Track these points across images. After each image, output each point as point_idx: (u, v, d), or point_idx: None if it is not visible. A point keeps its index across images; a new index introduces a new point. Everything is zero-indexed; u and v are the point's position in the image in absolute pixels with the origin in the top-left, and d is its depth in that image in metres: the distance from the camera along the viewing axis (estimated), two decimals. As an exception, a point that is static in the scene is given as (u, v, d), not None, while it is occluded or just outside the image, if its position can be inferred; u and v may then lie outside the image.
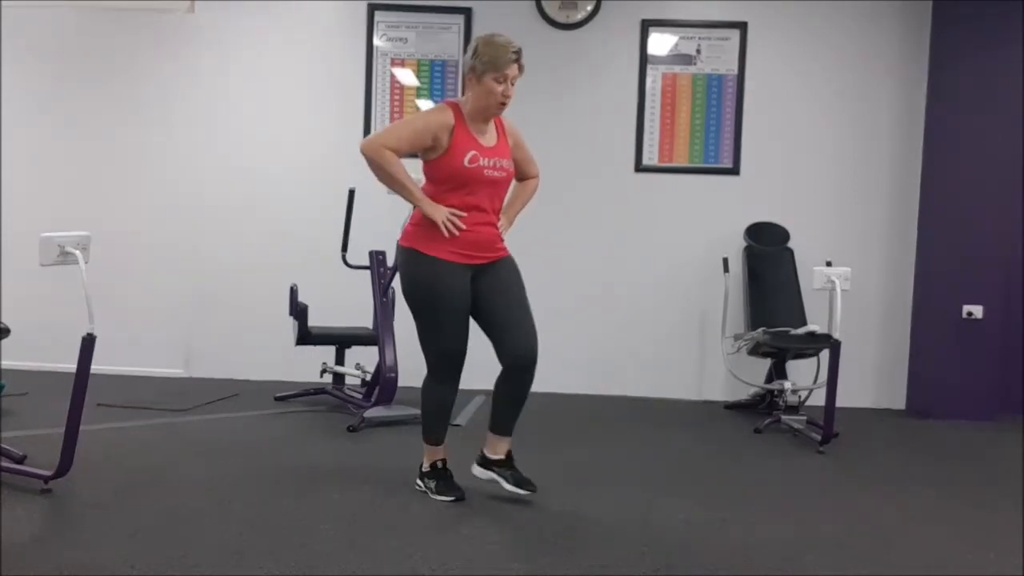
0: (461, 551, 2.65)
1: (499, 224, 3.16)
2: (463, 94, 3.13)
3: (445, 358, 3.11)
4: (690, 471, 3.78)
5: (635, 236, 5.55)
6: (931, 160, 5.38)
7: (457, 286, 3.05)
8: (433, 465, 3.21)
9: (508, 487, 3.12)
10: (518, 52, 3.02)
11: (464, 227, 3.01)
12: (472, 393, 5.23)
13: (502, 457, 3.17)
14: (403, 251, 3.13)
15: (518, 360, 3.07)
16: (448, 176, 3.03)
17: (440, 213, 2.99)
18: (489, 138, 3.10)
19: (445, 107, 3.09)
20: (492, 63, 2.99)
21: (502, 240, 3.17)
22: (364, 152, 3.06)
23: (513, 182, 3.26)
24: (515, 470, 3.16)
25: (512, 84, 3.04)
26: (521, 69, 3.06)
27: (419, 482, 3.26)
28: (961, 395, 5.16)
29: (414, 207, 3.08)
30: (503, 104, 3.06)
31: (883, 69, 5.47)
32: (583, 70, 5.49)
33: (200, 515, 2.89)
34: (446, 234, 2.99)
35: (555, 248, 5.38)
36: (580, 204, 5.42)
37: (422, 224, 3.05)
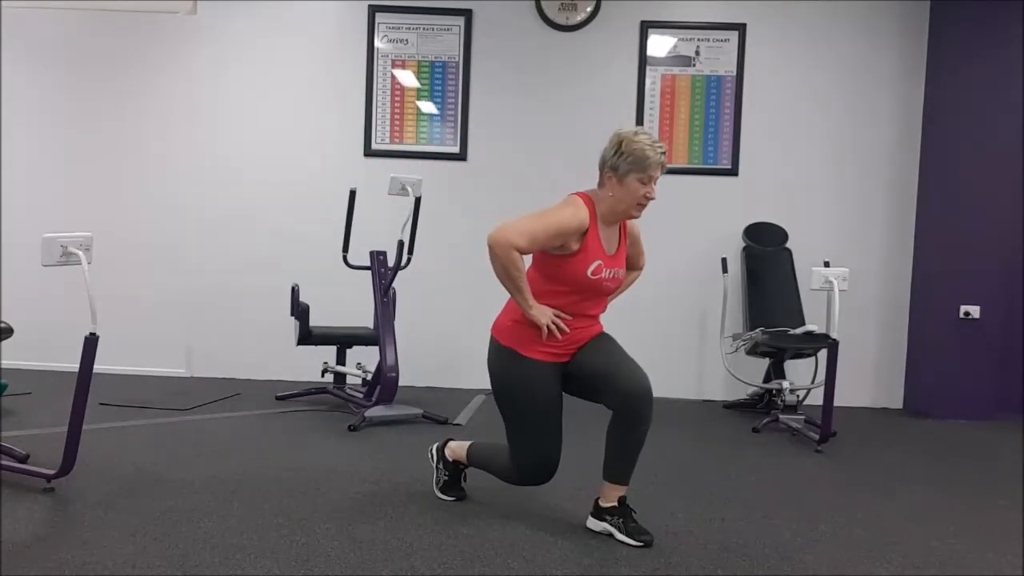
0: (461, 551, 2.67)
1: None
2: (597, 187, 2.88)
3: (538, 466, 2.93)
4: (689, 470, 3.80)
5: (634, 236, 5.55)
6: (929, 161, 5.40)
7: (553, 390, 2.90)
8: (457, 463, 3.19)
9: (622, 538, 2.84)
10: (664, 152, 2.81)
11: (568, 330, 2.84)
12: (472, 392, 5.27)
13: (615, 504, 2.91)
14: (498, 347, 2.92)
15: (631, 396, 2.83)
16: (566, 280, 2.83)
17: (545, 317, 2.80)
18: (612, 243, 2.90)
19: (582, 206, 2.81)
20: (639, 164, 2.77)
21: (596, 325, 3.03)
22: (492, 246, 2.74)
23: None
24: (630, 518, 2.88)
25: (654, 185, 2.82)
26: (663, 168, 2.83)
27: (434, 460, 3.25)
28: (958, 395, 5.17)
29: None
30: (644, 206, 2.85)
31: (881, 70, 5.48)
32: (583, 71, 5.50)
33: (200, 515, 2.90)
34: (545, 337, 2.81)
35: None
36: (580, 204, 5.43)
37: (522, 323, 2.84)
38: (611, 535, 2.86)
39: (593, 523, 2.93)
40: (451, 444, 3.25)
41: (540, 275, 2.88)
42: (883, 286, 5.54)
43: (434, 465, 3.27)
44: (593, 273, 2.82)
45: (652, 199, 2.83)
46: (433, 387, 5.46)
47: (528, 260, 2.88)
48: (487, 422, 4.47)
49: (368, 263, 4.69)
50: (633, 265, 3.17)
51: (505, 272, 2.77)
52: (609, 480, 2.90)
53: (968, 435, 4.81)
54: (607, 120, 5.48)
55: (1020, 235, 5.31)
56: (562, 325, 2.82)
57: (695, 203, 5.53)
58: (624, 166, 2.78)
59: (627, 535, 2.82)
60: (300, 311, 4.72)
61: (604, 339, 3.00)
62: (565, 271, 2.82)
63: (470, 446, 3.19)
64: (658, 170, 2.80)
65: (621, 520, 2.86)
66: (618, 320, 5.49)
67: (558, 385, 2.92)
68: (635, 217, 2.92)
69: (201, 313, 5.59)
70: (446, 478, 3.22)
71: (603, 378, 2.86)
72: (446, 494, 3.20)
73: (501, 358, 2.92)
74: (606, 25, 5.51)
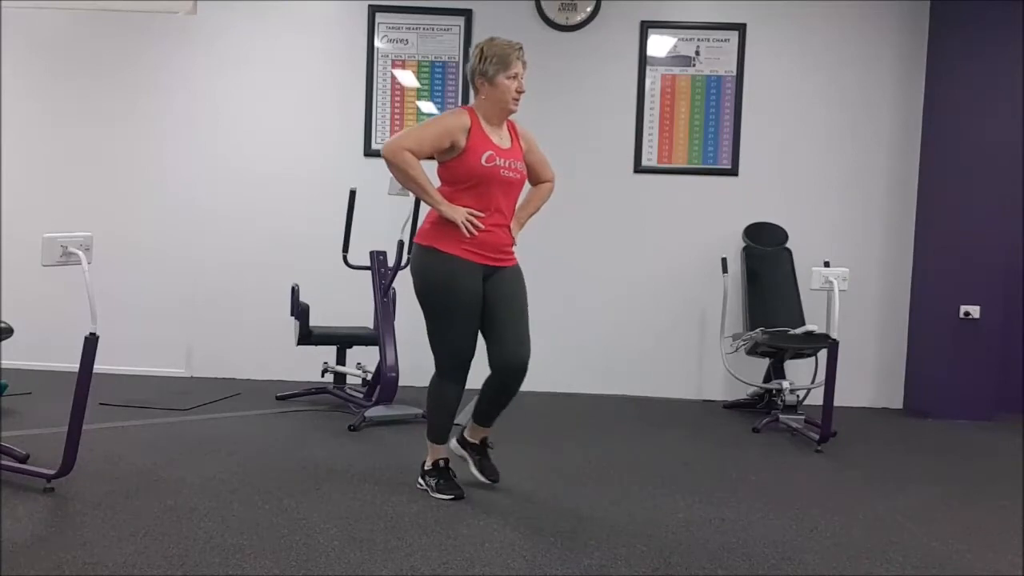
0: (461, 551, 2.67)
1: (512, 227, 3.22)
2: (474, 99, 3.20)
3: (455, 357, 3.16)
4: (689, 470, 3.80)
5: (634, 236, 5.57)
6: (929, 161, 5.40)
7: (471, 285, 3.11)
8: (436, 464, 3.26)
9: (473, 470, 3.36)
10: (521, 48, 3.14)
11: (483, 227, 3.08)
12: (472, 392, 5.26)
13: (477, 443, 3.39)
14: (420, 249, 3.16)
15: (508, 368, 3.15)
16: (465, 176, 3.09)
17: (459, 213, 3.05)
18: (504, 140, 3.18)
19: (462, 111, 3.16)
20: (502, 61, 3.08)
21: (513, 244, 3.24)
22: (384, 155, 3.10)
23: (527, 186, 3.33)
24: (485, 457, 3.39)
25: (521, 79, 3.14)
26: (525, 64, 3.16)
27: (420, 480, 3.30)
28: (959, 394, 5.17)
29: (431, 208, 3.14)
30: (517, 99, 3.15)
31: (881, 70, 5.48)
32: (582, 71, 5.50)
33: (200, 515, 2.90)
34: (466, 234, 3.05)
35: (554, 248, 5.39)
36: (579, 205, 5.43)
37: (439, 223, 3.11)
38: (467, 463, 3.36)
39: (455, 445, 3.39)
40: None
41: (445, 184, 3.16)
42: (883, 286, 5.54)
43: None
44: (487, 161, 3.07)
45: (523, 92, 3.15)
46: (433, 387, 5.45)
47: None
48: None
49: (368, 263, 4.69)
50: (539, 176, 3.41)
51: (404, 174, 3.09)
52: (477, 422, 3.34)
53: (968, 435, 4.81)
54: (607, 120, 5.51)
55: (1020, 235, 5.32)
56: (476, 222, 3.06)
57: (695, 203, 5.53)
58: (491, 69, 3.09)
59: (479, 471, 3.34)
60: (300, 311, 4.72)
61: (515, 286, 3.21)
62: (462, 167, 3.09)
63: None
64: (520, 65, 3.13)
65: (478, 457, 3.37)
66: (618, 320, 5.54)
67: (479, 282, 3.13)
68: (513, 110, 3.18)
69: (201, 313, 5.60)
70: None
71: (495, 335, 3.16)
72: (444, 493, 3.22)
73: (423, 257, 3.14)
74: (606, 25, 5.51)
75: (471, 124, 3.10)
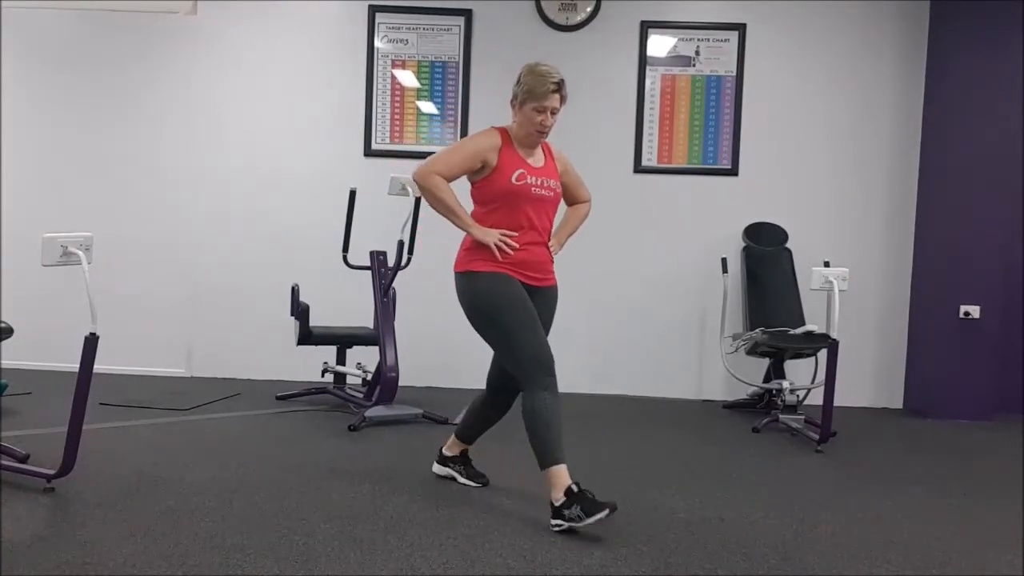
0: (461, 551, 2.67)
1: (551, 246, 3.18)
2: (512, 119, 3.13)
3: (540, 361, 2.96)
4: (689, 470, 3.80)
5: (634, 236, 5.57)
6: (929, 160, 5.40)
7: (520, 291, 3.02)
8: (568, 491, 2.84)
9: (462, 481, 3.37)
10: (558, 83, 3.02)
11: (516, 246, 3.02)
12: (472, 392, 5.26)
13: (458, 455, 3.41)
14: (460, 277, 3.09)
15: (510, 401, 3.21)
16: (496, 195, 3.04)
17: (491, 236, 3.00)
18: (536, 159, 3.12)
19: (493, 131, 3.11)
20: (531, 92, 3.01)
21: (552, 263, 3.18)
22: (416, 179, 3.08)
23: (564, 207, 3.32)
24: (470, 465, 3.41)
25: (552, 115, 3.04)
26: (563, 99, 3.06)
27: (557, 521, 2.84)
28: (958, 394, 5.18)
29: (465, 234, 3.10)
30: (541, 133, 3.07)
31: (881, 70, 5.49)
32: (583, 71, 5.50)
33: (200, 515, 2.90)
34: (499, 256, 2.99)
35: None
36: (580, 204, 5.43)
37: (473, 248, 3.05)
38: (454, 479, 3.37)
39: (438, 468, 3.42)
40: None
41: (478, 204, 3.12)
42: (883, 286, 5.55)
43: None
44: (517, 179, 3.02)
45: (547, 127, 3.05)
46: (433, 387, 5.46)
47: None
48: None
49: (368, 263, 4.69)
50: (576, 196, 3.38)
51: (435, 197, 3.04)
52: (460, 439, 3.37)
53: (968, 435, 4.81)
54: (607, 120, 5.51)
55: (1020, 235, 5.32)
56: (510, 242, 3.01)
57: (695, 203, 5.53)
58: (521, 94, 3.04)
59: (468, 479, 3.35)
60: (300, 311, 4.72)
61: (548, 314, 3.18)
62: (493, 186, 3.04)
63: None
64: (550, 100, 3.01)
65: (462, 467, 3.39)
66: (618, 320, 5.54)
67: (524, 292, 3.04)
68: (537, 143, 3.12)
69: (201, 313, 5.60)
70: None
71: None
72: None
73: (466, 284, 3.06)
74: (606, 25, 5.51)
75: (502, 143, 3.05)
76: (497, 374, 3.23)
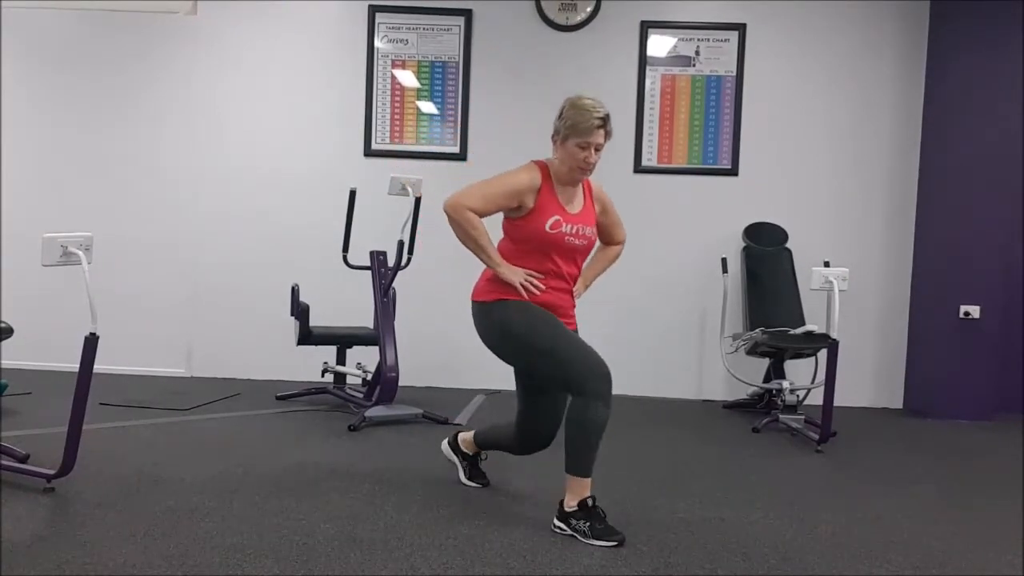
0: (461, 551, 2.67)
1: (575, 288, 3.06)
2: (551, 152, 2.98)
3: (594, 363, 2.83)
4: (689, 470, 3.80)
5: (634, 237, 5.48)
6: (929, 160, 5.40)
7: (549, 313, 2.92)
8: (583, 503, 2.82)
9: (461, 476, 3.38)
10: (604, 118, 2.87)
11: (543, 288, 2.91)
12: (472, 392, 5.27)
13: (470, 454, 3.40)
14: (482, 307, 2.96)
15: (538, 441, 3.12)
16: (527, 238, 2.92)
17: (518, 275, 2.89)
18: (575, 203, 2.97)
19: (534, 167, 2.95)
20: (575, 128, 2.85)
21: (574, 307, 3.07)
22: (447, 211, 2.90)
23: (597, 243, 3.17)
24: (476, 466, 3.40)
25: (597, 151, 2.89)
26: (608, 135, 2.90)
27: (560, 524, 2.85)
28: (958, 394, 5.18)
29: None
30: (584, 171, 2.92)
31: (881, 70, 5.49)
32: (582, 71, 5.50)
33: (200, 515, 2.90)
34: (524, 296, 2.88)
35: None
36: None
37: (496, 280, 2.94)
38: (456, 471, 3.40)
39: (446, 450, 3.44)
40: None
41: (508, 240, 2.99)
42: (883, 286, 5.54)
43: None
44: (552, 227, 2.89)
45: (591, 164, 2.90)
46: (433, 387, 5.46)
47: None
48: (486, 422, 4.47)
49: (368, 263, 4.69)
50: (611, 238, 3.24)
51: (464, 233, 2.90)
52: (477, 443, 3.33)
53: (968, 435, 4.81)
54: (607, 120, 5.51)
55: (1020, 235, 5.32)
56: (536, 282, 2.90)
57: (695, 203, 5.53)
58: (564, 129, 2.88)
59: (468, 478, 3.36)
60: (300, 311, 4.72)
61: None
62: (526, 229, 2.91)
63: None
64: (595, 136, 2.86)
65: (468, 464, 3.39)
66: (619, 320, 5.54)
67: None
68: (579, 180, 2.97)
69: (201, 313, 5.60)
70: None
71: (534, 403, 3.07)
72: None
73: (491, 312, 2.94)
74: (606, 25, 5.51)
75: (541, 184, 2.90)
76: (532, 423, 3.10)
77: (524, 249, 2.94)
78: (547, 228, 2.89)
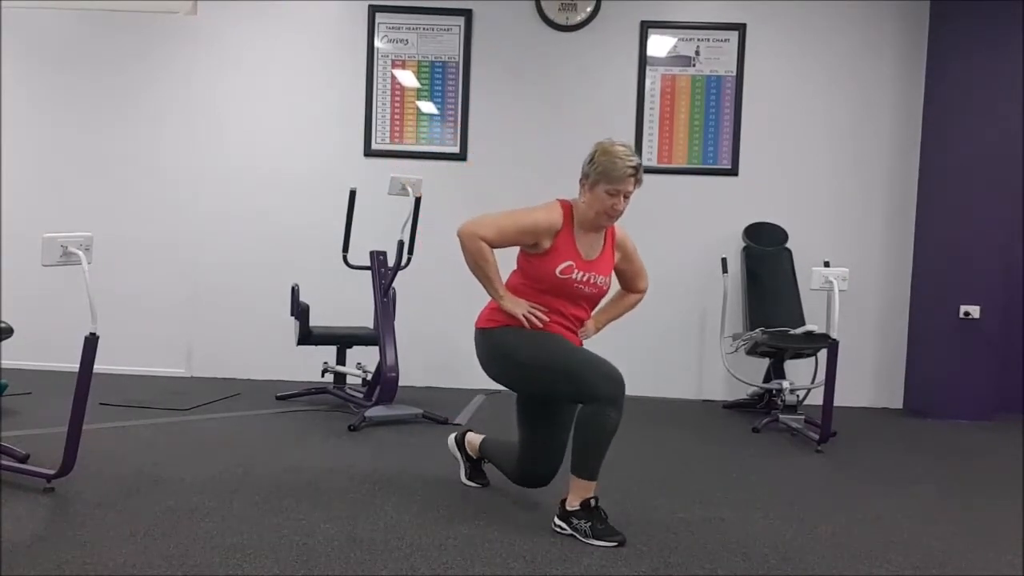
0: (461, 551, 2.67)
1: (583, 329, 3.04)
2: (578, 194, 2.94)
3: (604, 370, 2.81)
4: (689, 470, 3.80)
5: (634, 236, 5.52)
6: (929, 160, 5.40)
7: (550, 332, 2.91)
8: (586, 503, 2.81)
9: (462, 475, 3.39)
10: (636, 167, 2.84)
11: (546, 319, 2.90)
12: (472, 392, 5.27)
13: (474, 456, 3.40)
14: (485, 334, 2.97)
15: (534, 478, 3.10)
16: (538, 277, 2.91)
17: (521, 307, 2.89)
18: (593, 249, 2.95)
19: (557, 208, 2.91)
20: (606, 174, 2.82)
21: (581, 346, 3.03)
22: (460, 237, 2.89)
23: (618, 288, 3.18)
24: (477, 468, 3.39)
25: (626, 199, 2.86)
26: (638, 183, 2.86)
27: (560, 523, 2.85)
28: (958, 394, 5.18)
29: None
30: (611, 217, 2.89)
31: (881, 70, 5.49)
32: (582, 71, 5.51)
33: (200, 515, 2.90)
34: (527, 326, 2.88)
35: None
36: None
37: (500, 309, 2.94)
38: (457, 468, 3.40)
39: (452, 444, 3.44)
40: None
41: (520, 273, 2.98)
42: (883, 286, 5.55)
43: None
44: (562, 272, 2.87)
45: (619, 211, 2.87)
46: (433, 387, 5.46)
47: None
48: (487, 422, 4.47)
49: (368, 263, 4.69)
50: (632, 286, 3.21)
51: (474, 262, 2.89)
52: (481, 451, 3.32)
53: (968, 435, 4.81)
54: (607, 120, 5.51)
55: (1020, 235, 5.32)
56: (540, 315, 2.89)
57: (695, 203, 5.53)
58: (594, 175, 2.84)
59: (468, 478, 3.35)
60: (300, 311, 4.72)
61: None
62: (537, 268, 2.90)
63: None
64: (625, 184, 2.83)
65: (470, 465, 3.38)
66: (618, 320, 5.52)
67: None
68: (604, 227, 2.95)
69: (201, 313, 5.60)
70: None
71: (533, 439, 3.05)
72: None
73: (493, 337, 2.95)
74: (606, 25, 5.51)
75: (562, 226, 2.87)
76: (531, 459, 3.08)
77: (532, 287, 2.93)
78: (557, 273, 2.87)
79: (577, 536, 2.79)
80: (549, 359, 2.84)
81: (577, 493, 2.82)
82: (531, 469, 3.09)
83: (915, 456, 4.28)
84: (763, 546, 2.82)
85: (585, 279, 2.91)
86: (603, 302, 3.11)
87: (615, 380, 2.80)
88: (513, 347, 2.89)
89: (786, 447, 4.33)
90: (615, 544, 2.74)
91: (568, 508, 2.83)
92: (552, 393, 2.92)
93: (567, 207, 2.92)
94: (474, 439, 3.39)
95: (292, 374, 5.36)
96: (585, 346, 3.03)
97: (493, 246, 2.88)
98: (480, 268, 2.89)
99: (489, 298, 2.99)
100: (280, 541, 2.68)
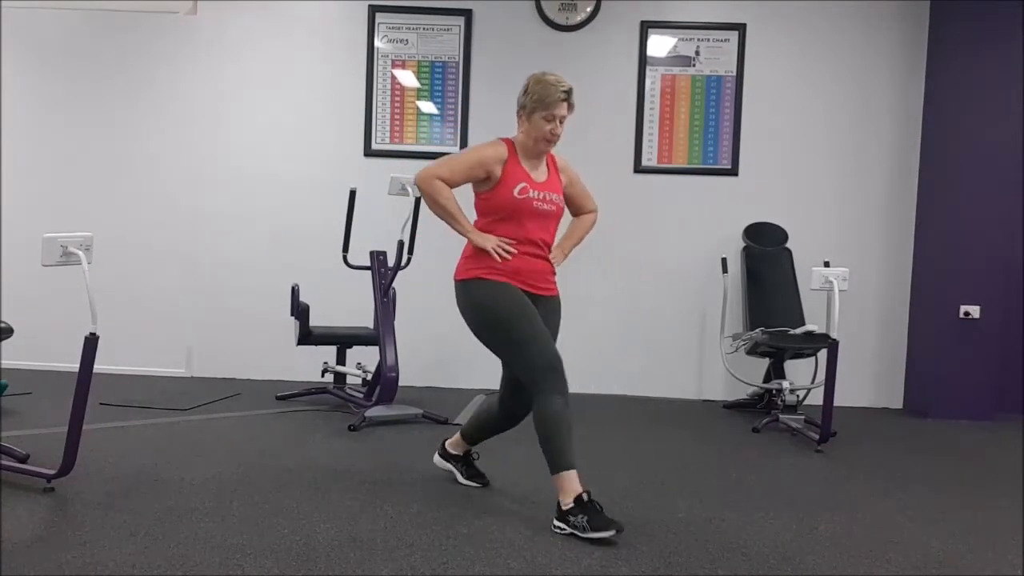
0: (461, 551, 2.67)
1: (552, 256, 3.16)
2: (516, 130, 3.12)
3: (549, 363, 2.92)
4: (689, 470, 3.80)
5: (634, 237, 5.57)
6: (929, 160, 5.40)
7: (523, 298, 3.02)
8: (578, 499, 2.83)
9: (461, 480, 3.38)
10: (568, 91, 3.04)
11: (515, 251, 3.01)
12: (472, 392, 5.27)
13: (460, 455, 3.41)
14: (460, 285, 3.08)
15: (521, 413, 3.18)
16: (498, 207, 3.04)
17: (489, 241, 3.01)
18: (540, 173, 3.11)
19: (499, 142, 3.10)
20: (541, 101, 3.00)
21: (554, 274, 3.18)
22: (417, 183, 3.09)
23: (571, 217, 3.31)
24: (471, 465, 3.40)
25: (561, 123, 3.04)
26: (571, 108, 3.06)
27: (559, 524, 2.85)
28: (958, 394, 5.18)
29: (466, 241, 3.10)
30: (550, 142, 3.06)
31: (881, 70, 5.49)
32: (583, 71, 5.48)
33: (200, 515, 2.90)
34: (498, 259, 2.99)
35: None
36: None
37: (474, 256, 3.05)
38: (453, 477, 3.39)
39: (439, 461, 3.43)
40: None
41: (480, 215, 3.12)
42: (883, 286, 5.55)
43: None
44: (520, 193, 3.02)
45: (556, 135, 3.05)
46: (433, 387, 5.46)
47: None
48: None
49: (368, 263, 4.69)
50: (582, 208, 3.37)
51: (435, 201, 3.06)
52: (465, 439, 3.36)
53: (968, 435, 4.81)
54: (607, 120, 5.51)
55: (1020, 235, 5.32)
56: (508, 247, 3.01)
57: (695, 203, 5.53)
58: (530, 104, 3.03)
59: (468, 479, 3.36)
60: (300, 311, 4.72)
61: (552, 324, 3.13)
62: (495, 199, 3.04)
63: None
64: (559, 108, 3.02)
65: (464, 467, 3.39)
66: (618, 320, 5.54)
67: (526, 298, 3.03)
68: (544, 152, 3.12)
69: (201, 313, 5.60)
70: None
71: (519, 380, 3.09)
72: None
73: (469, 290, 3.05)
74: (606, 25, 5.51)
75: (508, 156, 3.04)
76: (509, 390, 3.17)
77: (496, 220, 3.06)
78: (515, 194, 3.01)
79: (576, 532, 2.79)
80: (510, 336, 2.98)
81: (566, 491, 2.86)
82: (518, 393, 3.13)
83: (915, 456, 4.28)
84: (763, 546, 2.82)
85: (542, 197, 3.06)
86: (563, 233, 3.27)
87: (551, 368, 2.93)
88: (483, 310, 3.02)
89: (786, 447, 4.33)
90: (613, 533, 2.75)
91: (563, 508, 2.85)
92: (510, 366, 3.08)
93: (508, 142, 3.10)
94: (454, 438, 3.43)
95: (292, 374, 5.36)
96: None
97: (449, 184, 3.04)
98: (440, 206, 3.05)
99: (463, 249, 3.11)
100: (280, 541, 2.69)
